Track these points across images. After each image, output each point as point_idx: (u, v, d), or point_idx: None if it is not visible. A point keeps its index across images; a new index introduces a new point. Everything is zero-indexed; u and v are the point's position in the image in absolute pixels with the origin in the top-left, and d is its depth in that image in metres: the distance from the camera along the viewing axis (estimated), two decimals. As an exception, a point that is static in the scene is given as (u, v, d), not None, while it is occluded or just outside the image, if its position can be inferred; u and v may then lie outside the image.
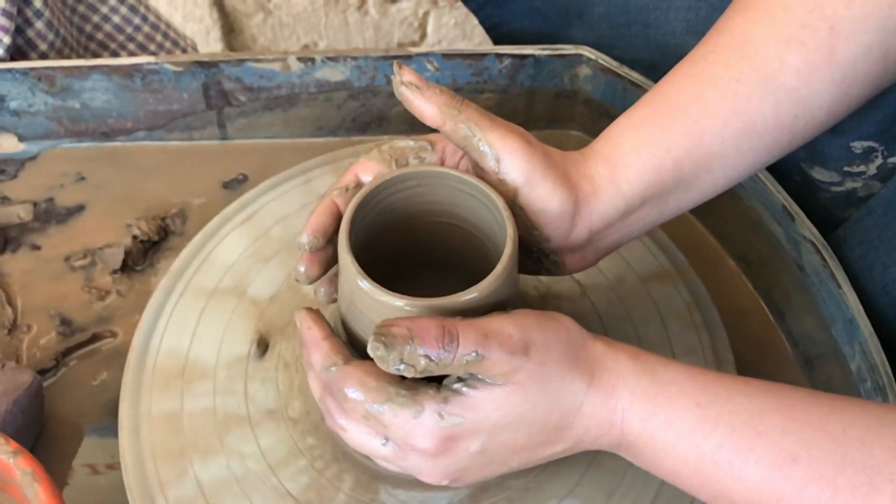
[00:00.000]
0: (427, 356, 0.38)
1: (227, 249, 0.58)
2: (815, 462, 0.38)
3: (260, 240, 0.59)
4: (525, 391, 0.40)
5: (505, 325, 0.40)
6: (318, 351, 0.43)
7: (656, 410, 0.40)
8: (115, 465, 0.52)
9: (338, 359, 0.42)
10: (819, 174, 0.62)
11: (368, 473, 0.49)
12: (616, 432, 0.41)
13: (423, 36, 1.39)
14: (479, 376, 0.40)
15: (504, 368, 0.39)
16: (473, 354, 0.38)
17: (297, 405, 0.51)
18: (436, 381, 0.41)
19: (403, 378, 0.41)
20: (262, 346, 0.54)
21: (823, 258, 0.56)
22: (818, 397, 0.40)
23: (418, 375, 0.39)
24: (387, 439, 0.41)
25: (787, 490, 0.38)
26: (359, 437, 0.42)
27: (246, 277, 0.57)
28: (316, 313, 0.45)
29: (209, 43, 1.35)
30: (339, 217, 0.45)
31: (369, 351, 0.38)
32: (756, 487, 0.39)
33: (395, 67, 0.44)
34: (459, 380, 0.40)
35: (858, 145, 0.59)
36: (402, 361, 0.38)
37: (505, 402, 0.40)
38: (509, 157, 0.43)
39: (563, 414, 0.41)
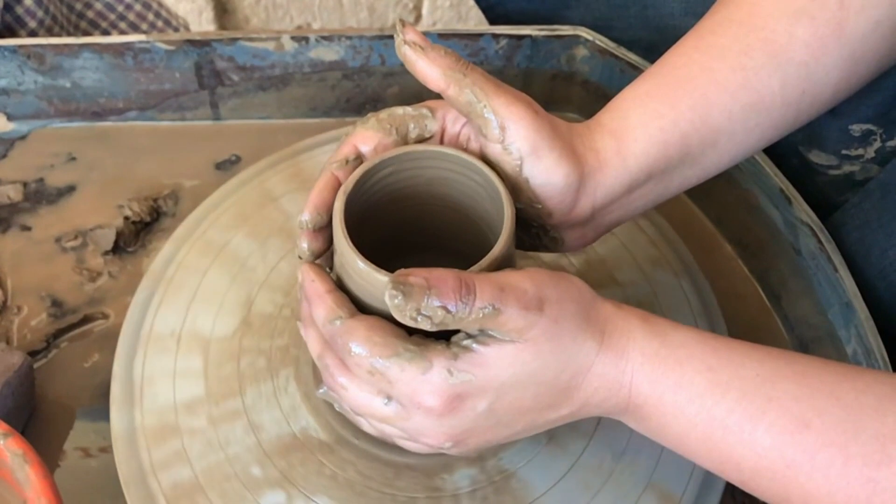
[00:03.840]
0: (444, 308, 0.37)
1: (219, 230, 0.58)
2: (827, 429, 0.38)
3: (252, 219, 0.58)
4: (538, 348, 0.39)
5: (520, 279, 0.39)
6: (322, 304, 0.41)
7: (666, 372, 0.40)
8: (107, 449, 0.52)
9: (342, 312, 0.40)
10: (817, 157, 0.61)
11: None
12: (623, 394, 0.41)
13: (419, 18, 1.37)
14: (491, 332, 0.39)
15: (518, 324, 0.38)
16: (490, 308, 0.37)
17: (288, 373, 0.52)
18: (443, 339, 0.40)
19: (410, 334, 0.40)
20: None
21: (820, 242, 0.56)
22: (830, 365, 0.40)
23: (433, 328, 0.37)
24: (389, 398, 0.40)
25: (799, 456, 0.38)
26: (359, 395, 0.41)
27: (240, 257, 0.57)
28: (319, 267, 0.43)
29: (202, 23, 1.34)
30: None
31: (386, 299, 0.37)
32: (766, 453, 0.38)
33: (398, 26, 0.42)
34: (468, 336, 0.39)
35: (857, 128, 0.59)
36: (419, 312, 0.37)
37: (516, 359, 0.39)
38: (515, 125, 0.42)
39: (573, 374, 0.40)
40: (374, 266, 0.40)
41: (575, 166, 0.43)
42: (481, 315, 0.37)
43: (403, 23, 0.42)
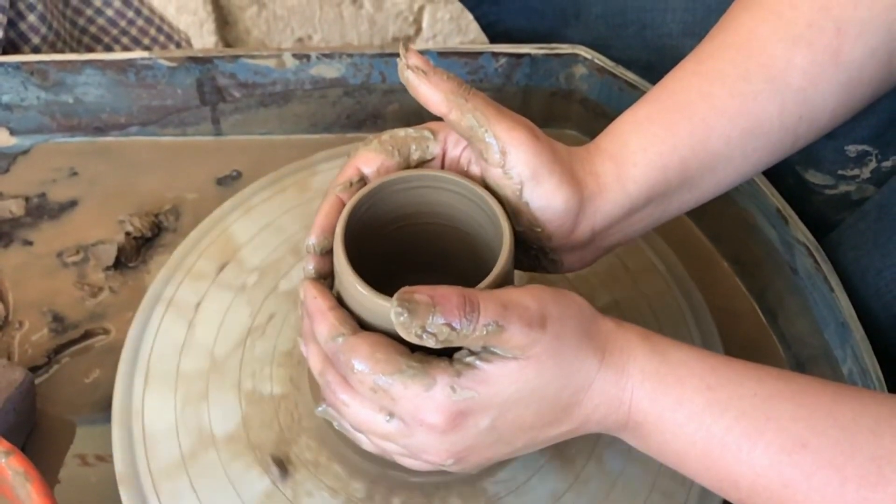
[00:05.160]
0: (449, 325, 0.37)
1: (223, 245, 0.58)
2: (825, 449, 0.38)
3: (258, 232, 0.59)
4: (540, 365, 0.39)
5: (523, 297, 0.39)
6: (324, 321, 0.41)
7: (666, 391, 0.40)
8: (104, 457, 0.52)
9: (345, 329, 0.41)
10: (813, 177, 0.62)
11: None
12: (623, 411, 0.41)
13: (419, 30, 1.38)
14: (494, 349, 0.39)
15: (521, 341, 0.38)
16: (493, 325, 0.38)
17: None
18: (446, 356, 0.40)
19: (413, 351, 0.40)
20: (278, 466, 0.50)
21: (816, 261, 0.56)
22: (828, 386, 0.40)
23: (438, 346, 0.38)
24: (391, 415, 0.40)
25: (796, 476, 0.38)
26: (360, 412, 0.41)
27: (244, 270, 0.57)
28: (321, 284, 0.44)
29: (203, 35, 1.34)
30: None
31: (392, 316, 0.37)
32: (764, 472, 0.39)
33: (402, 50, 0.42)
34: (471, 353, 0.39)
35: (853, 149, 0.59)
36: (424, 330, 0.37)
37: (519, 376, 0.39)
38: (516, 150, 0.42)
39: (574, 390, 0.40)
40: (373, 290, 0.41)
41: (575, 191, 0.43)
42: (485, 332, 0.38)
43: (407, 47, 0.42)
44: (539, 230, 0.44)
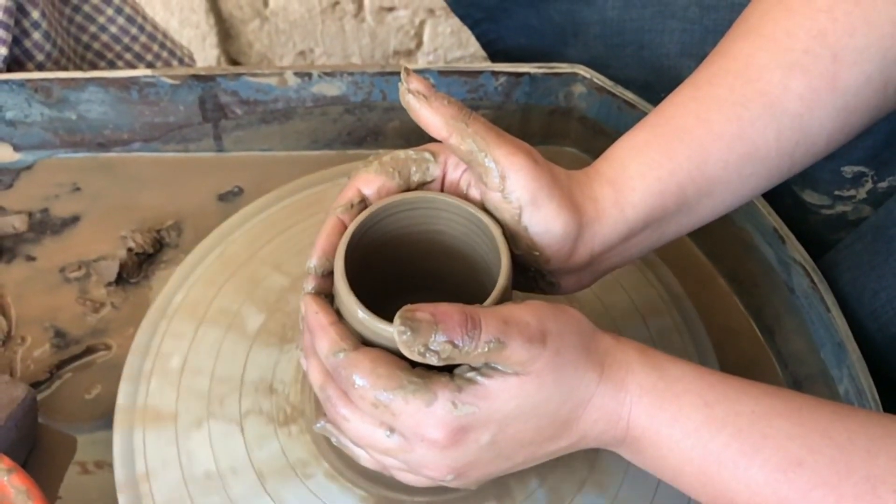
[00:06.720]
0: (451, 342, 0.38)
1: (226, 261, 0.59)
2: (820, 468, 0.38)
3: (261, 249, 0.59)
4: (540, 380, 0.39)
5: (522, 313, 0.40)
6: (326, 336, 0.42)
7: (664, 406, 0.40)
8: (103, 465, 0.53)
9: (346, 345, 0.41)
10: (810, 197, 0.62)
11: None
12: (622, 426, 0.41)
13: (420, 44, 1.39)
14: (494, 365, 0.39)
15: (522, 357, 0.39)
16: (494, 342, 0.38)
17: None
18: (446, 371, 0.40)
19: (413, 367, 0.40)
20: None
21: (813, 281, 0.56)
22: (824, 405, 0.41)
23: (440, 363, 0.38)
24: (391, 431, 0.41)
25: (791, 494, 0.38)
26: (360, 427, 0.41)
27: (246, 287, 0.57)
28: (322, 299, 0.44)
29: (205, 49, 1.35)
30: None
31: (395, 335, 0.38)
32: (759, 490, 0.39)
33: (403, 74, 0.43)
34: (472, 369, 0.40)
35: (849, 170, 0.59)
36: (427, 348, 0.38)
37: (520, 391, 0.39)
38: (515, 175, 0.43)
39: (574, 406, 0.41)
40: (373, 314, 0.41)
41: (573, 216, 0.44)
42: (486, 349, 0.38)
43: (408, 71, 0.43)
44: (537, 254, 0.45)
